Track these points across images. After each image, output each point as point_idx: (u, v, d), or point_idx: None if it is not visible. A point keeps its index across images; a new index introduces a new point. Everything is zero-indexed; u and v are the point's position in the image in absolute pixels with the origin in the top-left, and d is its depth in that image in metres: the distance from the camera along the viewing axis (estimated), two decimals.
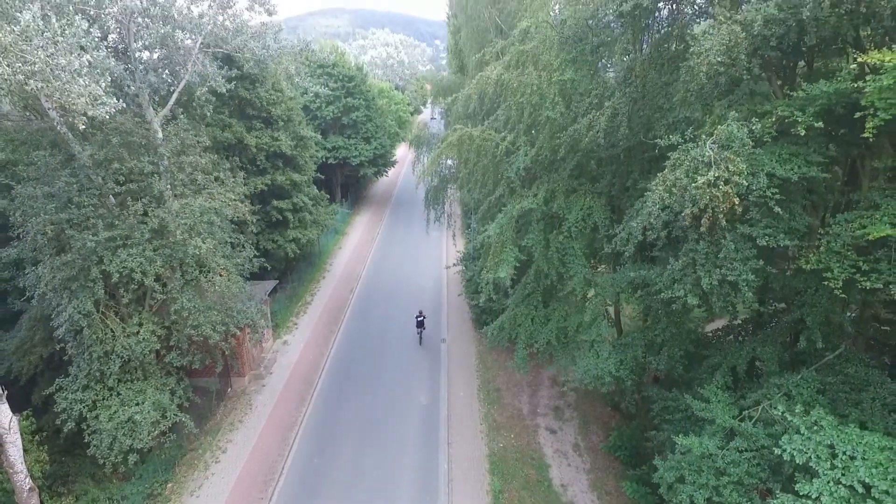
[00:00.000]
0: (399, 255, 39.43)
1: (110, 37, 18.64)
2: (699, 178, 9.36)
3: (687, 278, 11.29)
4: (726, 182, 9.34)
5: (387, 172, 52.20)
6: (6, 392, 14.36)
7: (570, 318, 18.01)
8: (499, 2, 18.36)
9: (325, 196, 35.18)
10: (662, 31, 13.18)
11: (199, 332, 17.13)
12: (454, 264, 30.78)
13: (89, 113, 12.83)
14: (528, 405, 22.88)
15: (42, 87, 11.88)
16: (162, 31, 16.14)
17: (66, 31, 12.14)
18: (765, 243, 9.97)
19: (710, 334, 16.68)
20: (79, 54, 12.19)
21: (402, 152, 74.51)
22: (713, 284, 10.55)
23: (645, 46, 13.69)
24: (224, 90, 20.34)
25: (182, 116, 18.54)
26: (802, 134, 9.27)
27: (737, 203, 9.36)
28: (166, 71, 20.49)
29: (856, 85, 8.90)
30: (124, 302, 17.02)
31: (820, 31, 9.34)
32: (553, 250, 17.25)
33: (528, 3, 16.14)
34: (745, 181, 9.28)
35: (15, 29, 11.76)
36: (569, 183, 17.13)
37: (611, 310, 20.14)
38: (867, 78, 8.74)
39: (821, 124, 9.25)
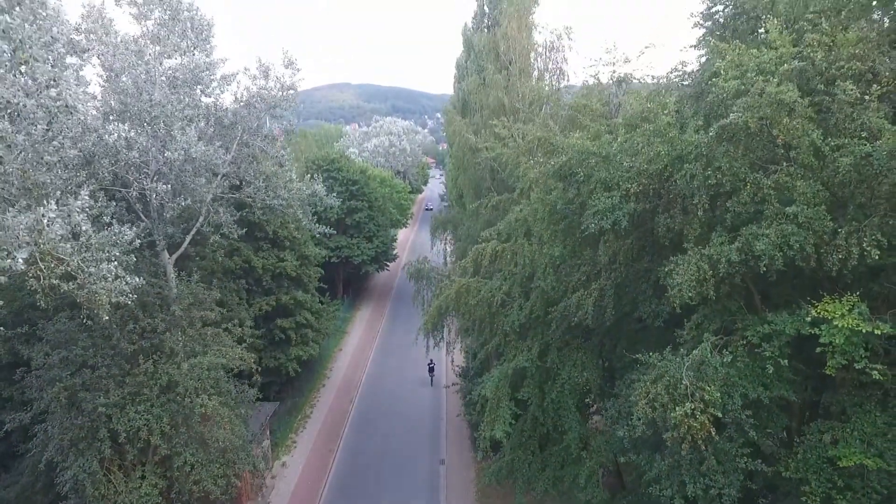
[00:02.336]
0: (398, 361, 39.50)
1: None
2: (677, 408, 10.10)
3: (673, 478, 11.81)
4: (702, 412, 10.07)
5: (388, 267, 53.44)
6: None
7: (566, 467, 18.29)
8: (495, 160, 19.98)
9: (327, 304, 36.00)
10: (644, 227, 14.33)
11: (200, 487, 17.38)
12: (453, 384, 31.11)
13: (112, 300, 13.83)
14: None
15: (73, 288, 12.91)
16: (183, 203, 17.50)
17: (101, 234, 13.28)
18: (744, 465, 10.58)
19: None
20: (108, 256, 13.26)
21: (403, 237, 76.37)
22: (697, 493, 11.06)
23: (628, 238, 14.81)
24: (236, 236, 21.64)
25: (195, 275, 19.62)
26: (771, 371, 10.10)
27: (713, 432, 10.05)
28: (181, 214, 21.91)
29: (812, 331, 9.82)
30: (129, 458, 17.36)
31: (778, 274, 10.38)
32: (548, 401, 17.81)
33: (521, 172, 17.59)
34: (719, 413, 10.01)
35: (56, 233, 12.85)
36: (562, 337, 17.93)
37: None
38: (822, 327, 9.66)
39: (786, 362, 10.10)
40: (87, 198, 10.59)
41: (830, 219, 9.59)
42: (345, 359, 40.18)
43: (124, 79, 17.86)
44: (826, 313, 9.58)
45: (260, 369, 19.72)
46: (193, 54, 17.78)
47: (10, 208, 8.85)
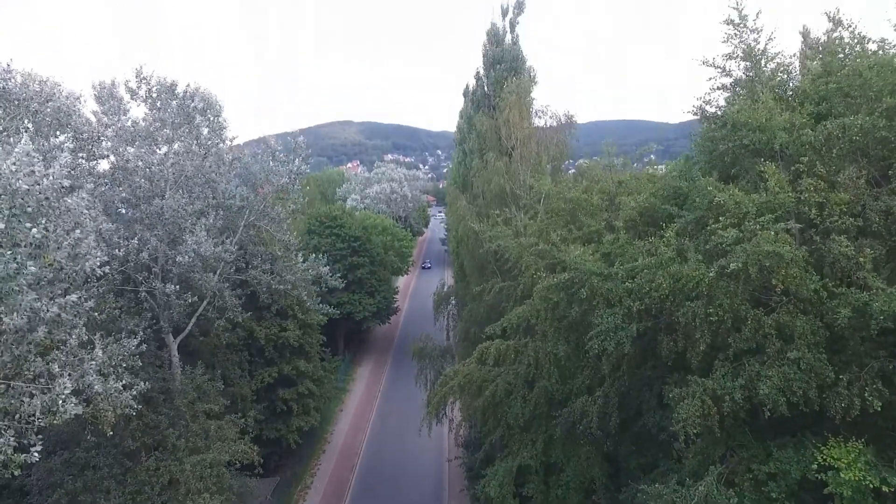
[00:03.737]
0: (399, 423, 38.77)
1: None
2: None
3: None
4: None
5: (389, 320, 53.38)
6: None
7: None
8: (499, 248, 20.29)
9: (328, 361, 35.81)
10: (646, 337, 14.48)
11: None
12: (456, 457, 30.70)
13: (117, 412, 13.84)
14: None
15: (78, 403, 12.93)
16: (190, 300, 17.71)
17: (110, 348, 13.37)
18: None
19: None
20: (115, 371, 13.33)
21: (405, 283, 76.45)
22: None
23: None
24: (241, 319, 21.78)
25: (199, 365, 19.70)
26: None
27: None
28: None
29: (819, 477, 9.84)
30: None
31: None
32: (553, 497, 17.60)
33: (524, 266, 17.87)
34: None
35: (71, 340, 12.77)
36: (567, 432, 17.83)
37: None
38: (829, 473, 9.68)
39: None
40: (100, 354, 10.76)
41: (832, 369, 9.73)
42: (346, 420, 39.72)
43: (138, 170, 18.31)
44: (832, 460, 9.61)
45: (262, 461, 19.52)
46: (206, 156, 18.29)
47: (26, 387, 9.02)
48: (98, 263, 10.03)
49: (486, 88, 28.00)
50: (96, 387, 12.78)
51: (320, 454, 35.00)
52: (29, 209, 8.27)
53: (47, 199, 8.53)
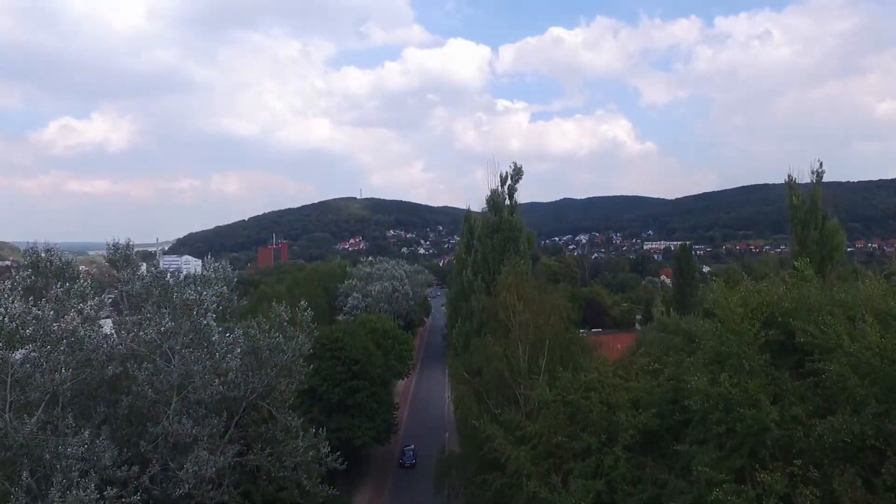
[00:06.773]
0: None
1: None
2: None
3: None
4: None
5: (389, 441, 52.18)
6: None
7: None
8: (497, 405, 20.48)
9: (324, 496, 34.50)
10: None
11: None
12: None
13: None
14: None
15: None
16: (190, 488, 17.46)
17: None
18: None
19: None
20: None
21: (404, 386, 75.33)
22: None
23: None
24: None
25: None
26: None
27: None
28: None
29: None
30: None
31: None
32: None
33: (525, 477, 17.87)
34: None
35: None
36: None
37: None
38: None
39: None
40: None
41: None
42: None
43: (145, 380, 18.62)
44: None
45: None
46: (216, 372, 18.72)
47: None
48: None
49: (485, 255, 29.03)
50: None
51: None
52: None
53: None
